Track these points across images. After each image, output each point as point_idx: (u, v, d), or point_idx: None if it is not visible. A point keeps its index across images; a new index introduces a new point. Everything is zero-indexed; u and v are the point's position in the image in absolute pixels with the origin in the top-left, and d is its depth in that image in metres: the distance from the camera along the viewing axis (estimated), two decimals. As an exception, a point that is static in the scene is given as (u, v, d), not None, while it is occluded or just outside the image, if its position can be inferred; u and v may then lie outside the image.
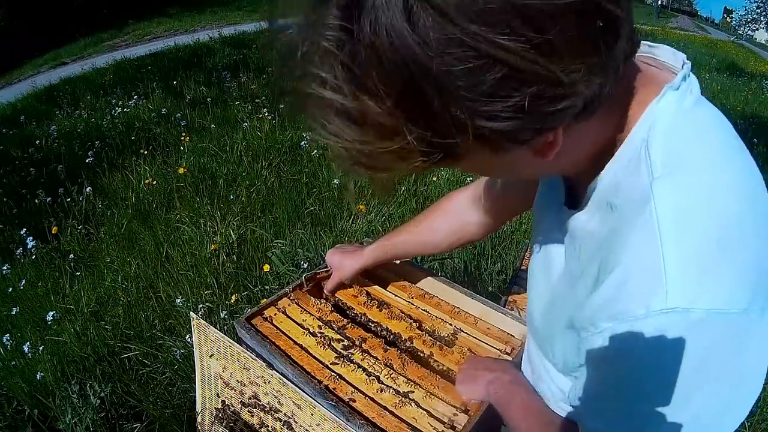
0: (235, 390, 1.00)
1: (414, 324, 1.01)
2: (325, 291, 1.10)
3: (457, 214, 0.91)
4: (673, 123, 0.40)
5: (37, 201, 2.93)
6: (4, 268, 2.40)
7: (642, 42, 0.47)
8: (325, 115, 0.31)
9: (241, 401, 0.99)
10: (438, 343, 0.97)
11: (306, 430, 0.86)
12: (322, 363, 0.93)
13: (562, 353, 0.52)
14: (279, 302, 1.08)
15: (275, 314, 1.05)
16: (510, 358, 0.92)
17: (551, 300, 0.55)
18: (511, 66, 0.28)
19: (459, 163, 0.39)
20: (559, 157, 0.39)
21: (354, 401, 0.85)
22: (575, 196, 0.50)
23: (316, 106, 0.32)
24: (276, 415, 0.92)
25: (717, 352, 0.37)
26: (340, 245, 1.13)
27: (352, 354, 0.96)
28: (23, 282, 2.25)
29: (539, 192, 0.60)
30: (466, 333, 1.00)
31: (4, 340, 1.91)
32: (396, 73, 0.28)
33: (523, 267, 1.55)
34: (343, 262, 1.03)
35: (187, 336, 1.77)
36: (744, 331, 0.36)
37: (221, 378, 1.02)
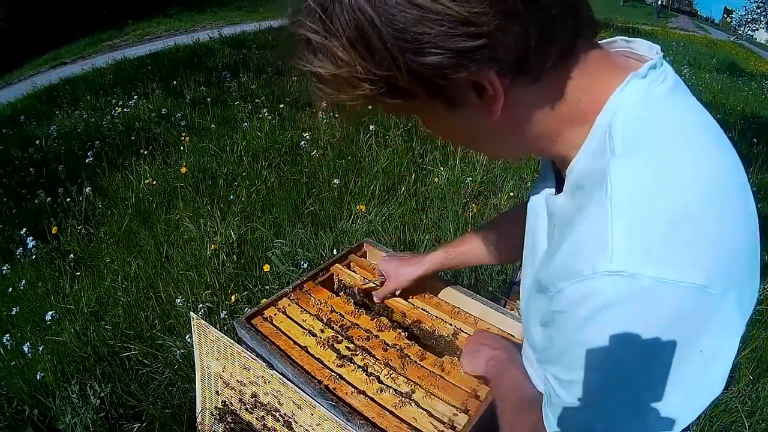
0: (235, 390, 1.00)
1: (403, 334, 1.00)
2: (375, 300, 1.09)
3: (515, 226, 0.92)
4: (636, 110, 0.42)
5: (37, 201, 2.93)
6: (4, 268, 2.40)
7: (619, 38, 0.50)
8: (304, 48, 0.41)
9: (241, 401, 0.99)
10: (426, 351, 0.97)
11: (306, 430, 0.86)
12: (322, 363, 0.93)
13: (537, 329, 0.53)
14: (279, 302, 1.08)
15: (275, 314, 1.05)
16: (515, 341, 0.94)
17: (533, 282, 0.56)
18: (424, 8, 0.36)
19: (421, 115, 0.48)
20: (512, 122, 0.45)
21: (354, 401, 0.85)
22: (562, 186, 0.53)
23: (300, 43, 0.42)
24: (276, 415, 0.92)
25: (673, 327, 0.37)
26: (391, 253, 1.13)
27: (352, 354, 0.96)
28: (23, 282, 2.25)
29: (533, 186, 0.62)
30: (466, 333, 1.00)
31: (4, 340, 1.91)
32: (350, 18, 0.37)
33: (517, 279, 1.55)
34: (400, 269, 1.02)
35: (187, 336, 1.77)
36: (703, 310, 0.37)
37: (221, 378, 1.02)
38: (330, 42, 0.39)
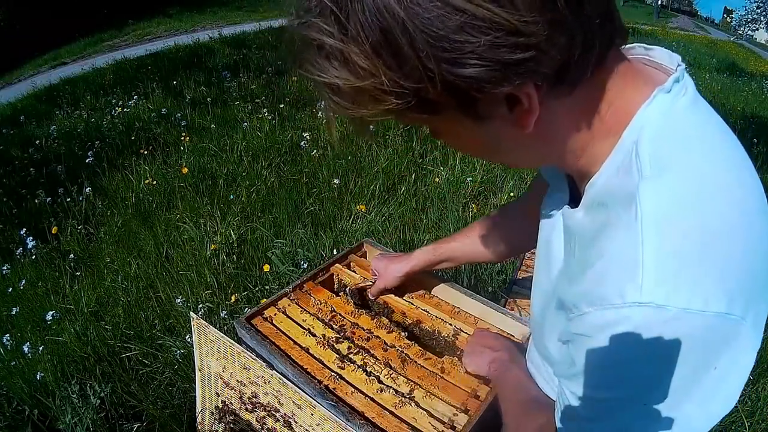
0: (235, 390, 1.00)
1: (403, 334, 1.00)
2: (369, 296, 1.09)
3: (508, 225, 0.91)
4: (663, 127, 0.41)
5: (37, 201, 2.92)
6: (4, 268, 2.40)
7: (638, 45, 0.49)
8: (316, 54, 0.37)
9: (241, 401, 0.99)
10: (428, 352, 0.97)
11: (306, 430, 0.86)
12: (322, 363, 0.93)
13: (554, 344, 0.54)
14: (279, 302, 1.08)
15: (275, 314, 1.05)
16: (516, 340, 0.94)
17: (551, 296, 0.56)
18: (468, 13, 0.32)
19: (441, 126, 0.44)
20: (541, 135, 0.42)
21: (354, 401, 0.85)
22: (577, 199, 0.52)
23: (310, 47, 0.37)
24: (276, 415, 0.92)
25: (692, 352, 0.37)
26: (383, 252, 1.13)
27: (352, 354, 0.96)
28: (23, 282, 2.25)
29: (547, 194, 0.61)
30: (466, 333, 1.00)
31: (4, 340, 1.91)
32: (374, 20, 0.33)
33: (518, 277, 1.55)
34: (389, 266, 1.03)
35: (187, 336, 1.77)
36: (722, 335, 0.37)
37: (221, 378, 1.02)
38: (348, 47, 0.34)
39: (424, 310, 1.06)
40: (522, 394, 0.65)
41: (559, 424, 0.49)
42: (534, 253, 0.66)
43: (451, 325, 1.02)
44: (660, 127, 0.41)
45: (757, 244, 0.39)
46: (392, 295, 1.09)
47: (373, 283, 1.08)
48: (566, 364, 0.46)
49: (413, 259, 1.00)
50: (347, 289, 1.10)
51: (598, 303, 0.39)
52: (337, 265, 1.19)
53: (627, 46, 0.48)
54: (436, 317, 1.04)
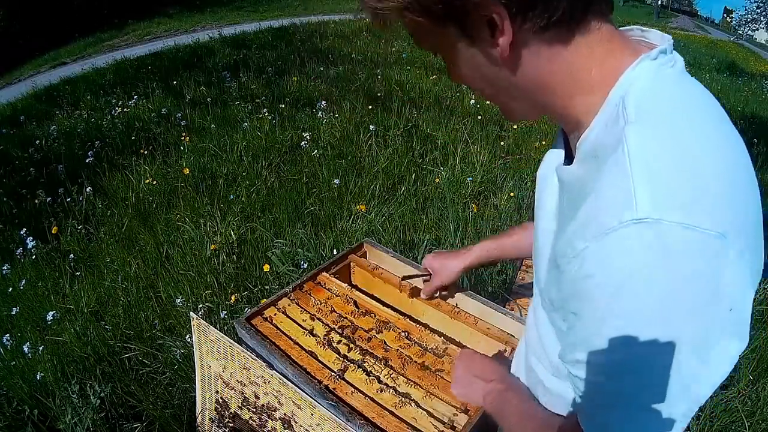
0: (235, 390, 1.00)
1: (403, 334, 1.00)
2: (422, 295, 1.09)
3: None
4: (649, 87, 0.44)
5: (37, 201, 2.92)
6: (4, 268, 2.40)
7: (636, 27, 0.52)
8: None
9: (241, 401, 0.99)
10: (427, 353, 0.97)
11: (306, 430, 0.86)
12: (322, 363, 0.93)
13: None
14: (279, 302, 1.08)
15: (275, 314, 1.05)
16: (507, 355, 0.93)
17: (547, 254, 0.56)
18: None
19: (442, 44, 0.49)
20: (527, 75, 0.47)
21: (354, 401, 0.85)
22: (571, 158, 0.53)
23: None
24: (276, 415, 0.92)
25: (693, 270, 0.37)
26: (437, 251, 1.12)
27: (352, 354, 0.96)
28: (23, 282, 2.25)
29: (542, 163, 0.63)
30: (455, 346, 0.99)
31: (4, 340, 1.91)
32: None
33: (518, 279, 1.55)
34: (445, 264, 1.02)
35: (187, 336, 1.77)
36: (722, 256, 0.37)
37: (221, 378, 1.02)
38: None
39: (414, 321, 1.06)
40: (531, 422, 0.63)
41: (584, 423, 0.47)
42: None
43: (440, 336, 1.01)
44: (646, 86, 0.44)
45: (746, 195, 0.40)
46: (380, 305, 1.09)
47: (429, 279, 1.06)
48: (572, 326, 0.45)
49: (470, 255, 0.99)
50: (400, 281, 1.08)
51: (594, 233, 0.39)
52: (353, 255, 1.20)
53: (625, 27, 0.52)
54: (425, 328, 1.04)
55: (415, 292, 1.10)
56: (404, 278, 1.08)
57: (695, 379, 0.40)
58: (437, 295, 1.09)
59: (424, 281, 1.08)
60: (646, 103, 0.43)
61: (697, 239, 0.36)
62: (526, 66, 0.47)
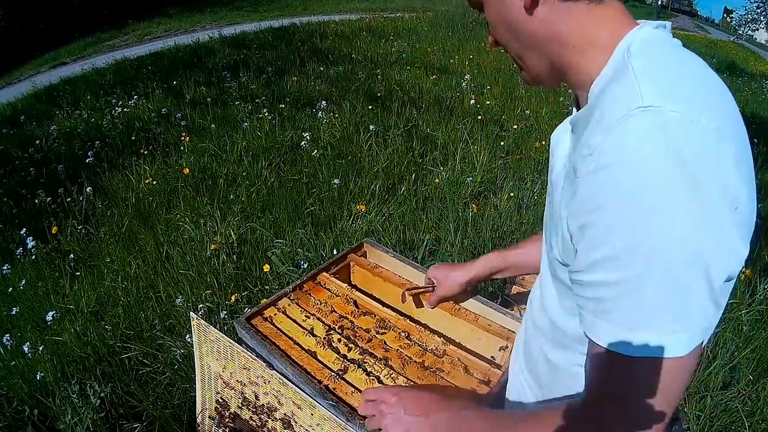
0: (235, 390, 1.00)
1: (403, 334, 1.00)
2: (427, 307, 1.08)
3: None
4: (651, 37, 0.50)
5: (37, 201, 2.92)
6: (4, 268, 2.40)
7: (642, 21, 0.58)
8: None
9: (241, 401, 0.99)
10: (426, 353, 0.97)
11: (306, 430, 0.86)
12: (322, 363, 0.93)
13: (563, 232, 0.53)
14: (279, 302, 1.08)
15: (275, 314, 1.05)
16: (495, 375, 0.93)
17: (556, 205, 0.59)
18: None
19: None
20: (541, 21, 0.53)
21: (354, 401, 0.85)
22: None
23: None
24: (276, 415, 0.92)
25: (697, 157, 0.40)
26: (441, 262, 1.11)
27: (352, 354, 0.96)
28: (23, 282, 2.25)
29: (555, 130, 0.65)
30: (454, 347, 0.99)
31: (4, 340, 1.91)
32: None
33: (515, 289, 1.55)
34: (449, 275, 1.01)
35: (187, 336, 1.77)
36: (720, 150, 0.41)
37: (221, 378, 1.02)
38: None
39: (414, 321, 1.06)
40: (516, 424, 0.57)
41: (598, 326, 0.46)
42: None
43: (439, 336, 1.01)
44: (648, 37, 0.50)
45: (740, 147, 0.45)
46: (380, 306, 1.08)
47: (432, 290, 1.05)
48: (583, 240, 0.46)
49: (475, 267, 0.98)
50: (403, 294, 1.07)
51: (606, 126, 0.44)
52: (352, 254, 1.20)
53: None
54: (425, 328, 1.04)
55: (418, 303, 1.10)
56: (407, 290, 1.07)
57: (714, 256, 0.41)
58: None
59: (428, 292, 1.07)
60: (648, 46, 0.49)
61: (697, 130, 0.41)
62: (547, 20, 0.53)
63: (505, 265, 0.96)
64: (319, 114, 4.13)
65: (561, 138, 0.61)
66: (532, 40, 0.55)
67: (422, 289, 1.08)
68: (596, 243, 0.45)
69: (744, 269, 2.13)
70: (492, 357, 0.99)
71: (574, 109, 0.62)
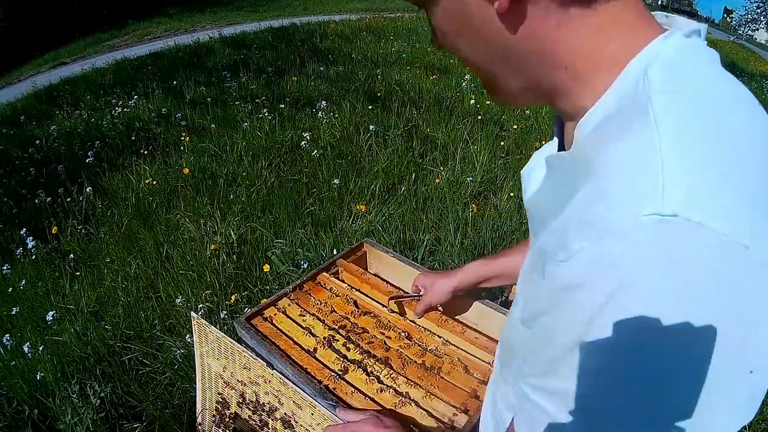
0: (235, 390, 1.00)
1: (403, 334, 1.00)
2: (413, 314, 1.05)
3: None
4: (683, 59, 0.34)
5: (37, 201, 2.93)
6: (4, 268, 2.40)
7: (659, 13, 0.43)
8: None
9: (241, 401, 0.99)
10: (427, 353, 0.97)
11: (306, 429, 0.86)
12: (322, 363, 0.93)
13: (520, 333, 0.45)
14: (279, 302, 1.08)
15: (275, 314, 1.05)
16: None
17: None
18: None
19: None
20: (521, 30, 0.37)
21: (354, 401, 0.85)
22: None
23: None
24: (276, 415, 0.92)
25: (732, 286, 0.27)
26: (428, 270, 1.08)
27: (352, 354, 0.96)
28: (23, 282, 2.25)
29: (529, 162, 0.53)
30: (454, 345, 0.99)
31: (4, 340, 1.91)
32: None
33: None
34: (436, 282, 0.98)
35: (187, 336, 1.77)
36: (752, 272, 0.28)
37: (221, 378, 1.02)
38: None
39: (414, 322, 1.06)
40: None
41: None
42: None
43: (439, 337, 1.01)
44: (679, 62, 0.34)
45: None
46: (380, 306, 1.08)
47: (419, 298, 1.03)
48: (534, 350, 0.36)
49: (461, 274, 0.95)
50: (388, 301, 1.07)
51: (600, 230, 0.28)
52: (341, 260, 1.19)
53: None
54: (425, 329, 1.04)
55: (402, 312, 1.09)
56: (392, 299, 1.07)
57: None
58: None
59: (415, 300, 1.06)
60: (679, 72, 0.33)
61: (738, 256, 0.26)
62: (530, 27, 0.36)
63: (492, 274, 0.93)
64: (319, 114, 4.13)
65: (533, 176, 0.48)
66: (507, 54, 0.39)
67: (408, 297, 1.07)
68: (537, 368, 0.36)
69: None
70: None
71: (555, 140, 0.47)
